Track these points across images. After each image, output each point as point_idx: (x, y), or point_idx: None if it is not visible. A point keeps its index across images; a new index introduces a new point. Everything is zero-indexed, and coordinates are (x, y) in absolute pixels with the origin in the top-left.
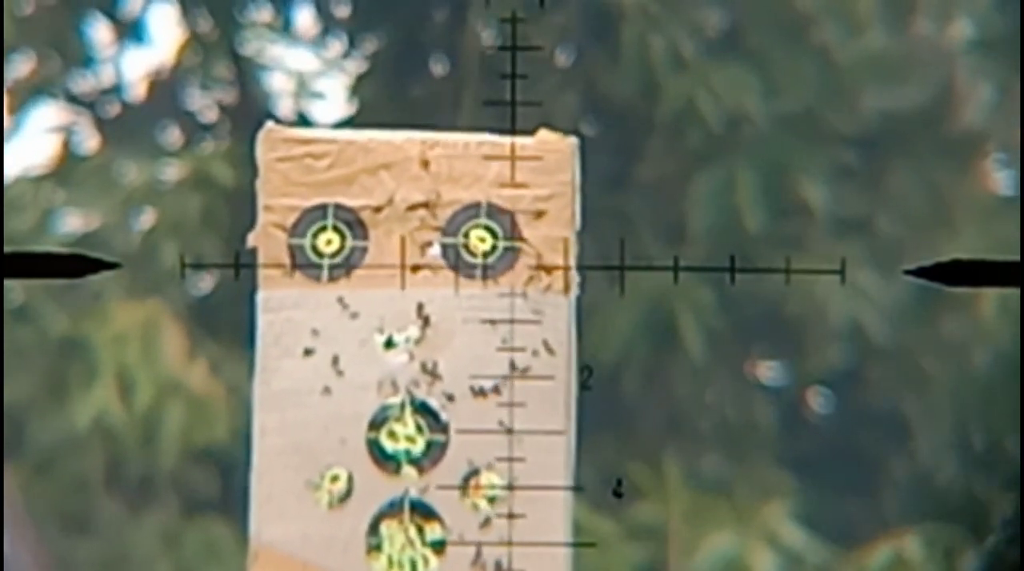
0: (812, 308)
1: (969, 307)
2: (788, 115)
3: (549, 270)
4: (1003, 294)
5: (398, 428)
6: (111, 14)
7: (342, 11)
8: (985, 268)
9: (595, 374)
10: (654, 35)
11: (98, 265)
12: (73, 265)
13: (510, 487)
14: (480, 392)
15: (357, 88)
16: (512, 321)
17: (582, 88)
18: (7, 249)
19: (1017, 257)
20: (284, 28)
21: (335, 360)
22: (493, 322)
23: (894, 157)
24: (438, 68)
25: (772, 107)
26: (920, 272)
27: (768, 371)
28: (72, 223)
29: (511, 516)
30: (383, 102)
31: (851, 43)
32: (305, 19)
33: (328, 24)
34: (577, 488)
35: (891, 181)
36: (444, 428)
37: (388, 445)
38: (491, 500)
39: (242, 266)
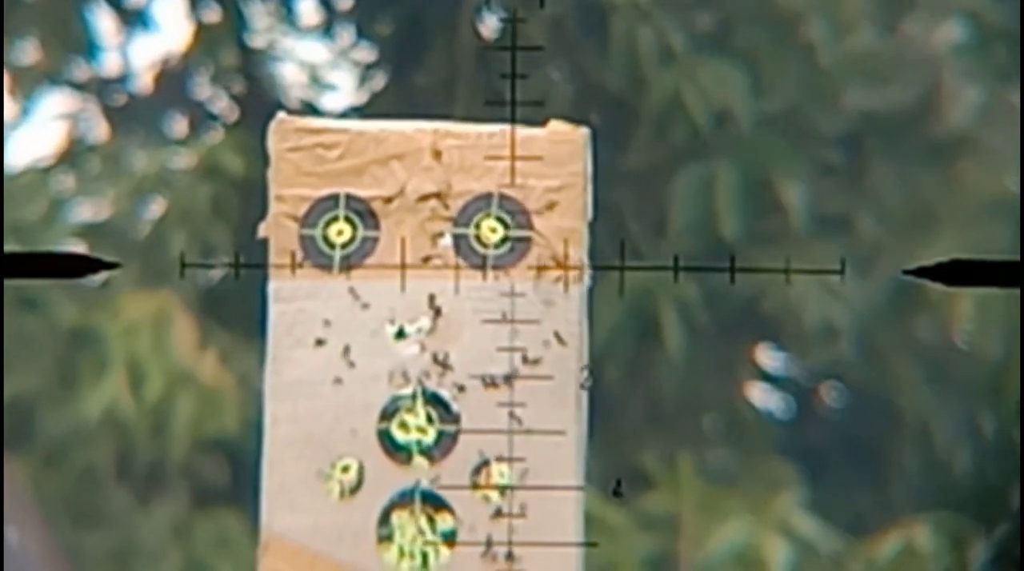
0: (793, 305)
1: (948, 309)
2: (773, 113)
3: (561, 261)
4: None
5: (409, 419)
6: (117, 2)
7: (348, 1)
8: (985, 268)
9: (592, 367)
10: (643, 28)
11: (97, 265)
12: (72, 265)
13: (521, 478)
14: (491, 383)
15: (366, 78)
16: (523, 312)
17: (573, 80)
18: (7, 249)
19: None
20: (291, 17)
21: (346, 350)
22: (504, 313)
23: (878, 158)
24: (445, 58)
25: (758, 104)
26: (920, 272)
27: (769, 363)
28: (82, 213)
29: (522, 507)
30: (392, 92)
31: (839, 42)
32: (312, 8)
33: (336, 13)
34: (585, 484)
35: (874, 182)
36: (455, 419)
37: (399, 436)
38: (502, 491)
39: (243, 266)
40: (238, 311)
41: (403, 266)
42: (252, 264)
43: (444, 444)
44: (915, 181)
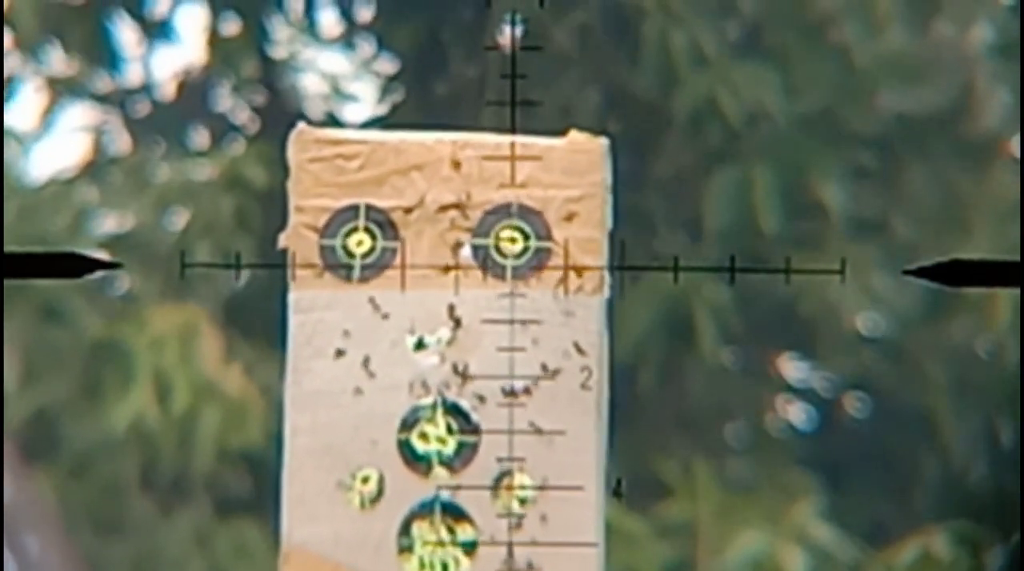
0: (826, 309)
1: (983, 308)
2: (807, 114)
3: (580, 271)
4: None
5: (429, 429)
6: (139, 14)
7: (370, 12)
8: (985, 268)
9: (615, 374)
10: (675, 32)
11: (96, 265)
12: (72, 265)
13: (541, 488)
14: (511, 393)
15: (387, 89)
16: (543, 322)
17: (603, 86)
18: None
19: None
20: (312, 29)
21: (366, 361)
22: (524, 323)
23: (911, 159)
24: (466, 68)
25: (791, 106)
26: (920, 272)
27: (792, 370)
28: (106, 224)
29: (542, 516)
30: (413, 103)
31: (871, 44)
32: (334, 20)
33: (356, 25)
34: (613, 490)
35: (907, 183)
36: (475, 429)
37: (419, 446)
38: (522, 501)
39: (242, 266)
40: (264, 321)
41: (423, 276)
42: (254, 264)
43: (464, 454)
44: (949, 182)
